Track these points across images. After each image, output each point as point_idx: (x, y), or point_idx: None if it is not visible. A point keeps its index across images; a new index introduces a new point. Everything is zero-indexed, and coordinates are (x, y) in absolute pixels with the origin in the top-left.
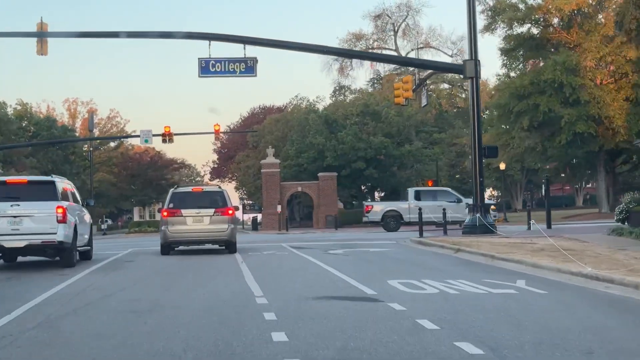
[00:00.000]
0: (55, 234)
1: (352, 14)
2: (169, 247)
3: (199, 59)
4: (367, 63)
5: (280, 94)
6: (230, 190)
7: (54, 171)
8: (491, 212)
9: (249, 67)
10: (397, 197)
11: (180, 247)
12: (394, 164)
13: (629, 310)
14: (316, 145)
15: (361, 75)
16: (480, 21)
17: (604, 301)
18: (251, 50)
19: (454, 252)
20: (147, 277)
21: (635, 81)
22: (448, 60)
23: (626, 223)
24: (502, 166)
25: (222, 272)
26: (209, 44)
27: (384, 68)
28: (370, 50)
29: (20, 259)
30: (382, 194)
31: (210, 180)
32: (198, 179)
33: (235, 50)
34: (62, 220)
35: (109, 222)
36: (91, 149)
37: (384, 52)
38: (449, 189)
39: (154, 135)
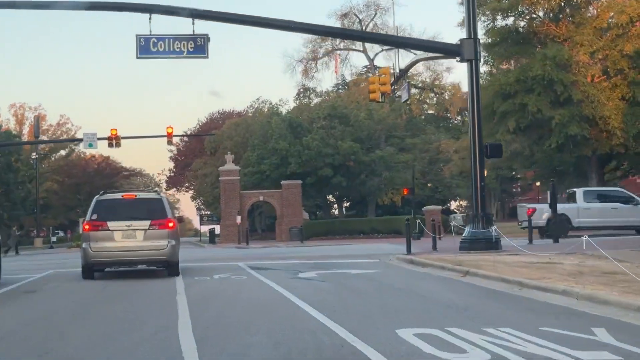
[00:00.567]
0: None
1: (318, 12)
2: (91, 270)
3: (137, 36)
4: (332, 66)
5: (241, 98)
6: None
7: None
8: None
9: (198, 46)
10: (364, 207)
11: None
12: (363, 171)
13: None
14: (279, 150)
15: (327, 77)
16: (459, 14)
17: None
18: (202, 27)
19: (462, 276)
20: (32, 324)
21: (632, 78)
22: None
23: None
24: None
25: (147, 312)
26: (150, 18)
27: (351, 70)
28: (337, 51)
29: None
30: (348, 204)
31: (166, 189)
32: (156, 189)
33: (183, 26)
34: None
35: (60, 234)
36: (37, 156)
37: (351, 53)
38: (622, 189)
39: (99, 139)
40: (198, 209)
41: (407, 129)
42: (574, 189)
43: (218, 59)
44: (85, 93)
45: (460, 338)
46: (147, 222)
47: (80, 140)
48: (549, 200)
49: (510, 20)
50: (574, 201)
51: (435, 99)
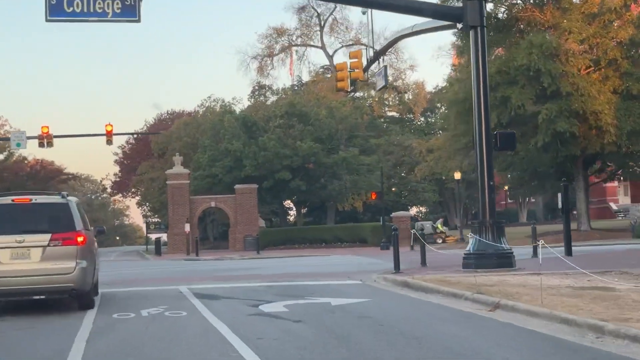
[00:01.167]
0: None
1: (273, 4)
2: None
3: None
4: (289, 63)
5: (191, 98)
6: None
7: None
8: (440, 227)
9: (127, 5)
10: (323, 214)
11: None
12: (324, 174)
13: None
14: (233, 152)
15: (283, 74)
16: None
17: None
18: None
19: (490, 310)
20: None
21: (626, 69)
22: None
23: None
24: (458, 175)
25: None
26: None
27: (309, 69)
28: (294, 47)
29: None
30: (305, 210)
31: (111, 195)
32: (104, 195)
33: None
34: None
35: None
36: None
37: (309, 49)
38: None
39: (29, 137)
40: (144, 217)
41: (369, 129)
42: None
43: (166, 55)
44: (23, 93)
45: None
46: (47, 237)
47: (8, 139)
48: (560, 204)
49: (489, 6)
50: None
51: (398, 98)
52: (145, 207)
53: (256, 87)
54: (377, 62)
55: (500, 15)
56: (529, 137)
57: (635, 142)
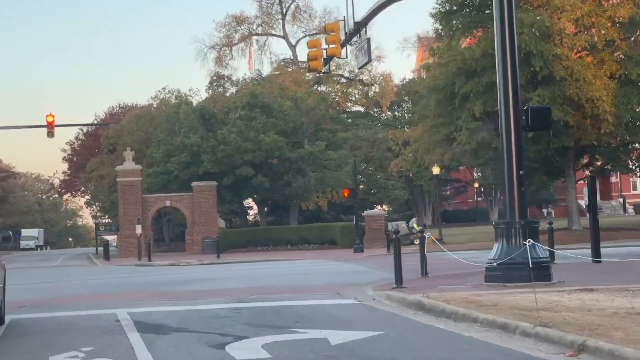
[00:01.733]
0: None
1: None
2: None
3: None
4: (248, 53)
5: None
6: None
7: None
8: (417, 227)
9: None
10: (285, 213)
11: None
12: (289, 170)
13: None
14: (189, 146)
15: (243, 65)
16: None
17: None
18: None
19: (568, 354)
20: None
21: (624, 51)
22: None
23: None
24: (436, 170)
25: None
26: None
27: (271, 59)
28: (254, 37)
29: None
30: (266, 209)
31: (60, 194)
32: (55, 196)
33: None
34: None
35: None
36: None
37: (271, 39)
38: None
39: None
40: (94, 217)
41: (335, 123)
42: None
43: (117, 44)
44: None
45: None
46: None
47: None
48: (585, 200)
49: None
50: None
51: (365, 91)
52: (95, 207)
53: (214, 78)
54: (357, 35)
55: None
56: None
57: (634, 133)
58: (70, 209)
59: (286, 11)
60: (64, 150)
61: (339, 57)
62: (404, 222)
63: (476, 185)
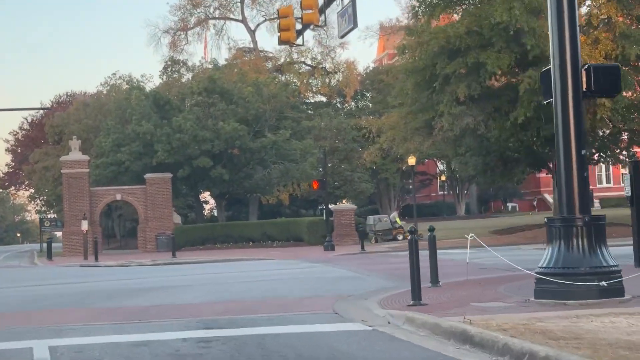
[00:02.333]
0: None
1: None
2: None
3: None
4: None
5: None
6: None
7: None
8: (399, 220)
9: None
10: (244, 208)
11: None
12: (251, 161)
13: None
14: (142, 134)
15: (199, 50)
16: None
17: None
18: None
19: None
20: None
21: (622, 29)
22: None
23: None
24: (412, 161)
25: None
26: None
27: (229, 44)
28: (211, 21)
29: None
30: (224, 203)
31: (2, 188)
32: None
33: None
34: None
35: None
36: None
37: (229, 23)
38: None
39: None
40: (38, 212)
41: (297, 112)
42: None
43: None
44: None
45: None
46: None
47: None
48: (627, 191)
49: None
50: None
51: (327, 80)
52: (39, 202)
53: (169, 63)
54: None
55: None
56: (509, 111)
57: (630, 120)
58: (19, 204)
59: None
60: (7, 141)
61: (317, 25)
62: (386, 215)
63: (442, 178)
